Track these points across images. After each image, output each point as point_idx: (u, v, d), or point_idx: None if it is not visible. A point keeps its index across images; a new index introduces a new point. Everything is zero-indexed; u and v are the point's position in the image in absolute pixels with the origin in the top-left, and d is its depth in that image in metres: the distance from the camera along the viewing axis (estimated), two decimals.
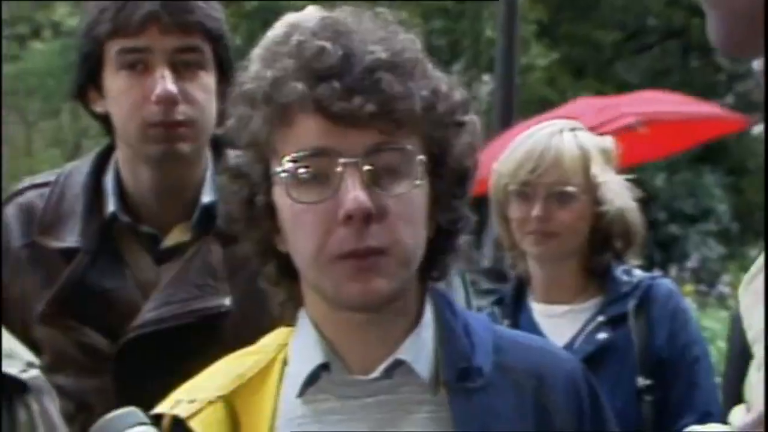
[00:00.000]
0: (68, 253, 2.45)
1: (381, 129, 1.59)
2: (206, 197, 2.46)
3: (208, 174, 2.49)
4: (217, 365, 1.78)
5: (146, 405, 2.38)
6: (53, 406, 1.64)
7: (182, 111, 2.39)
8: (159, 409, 1.72)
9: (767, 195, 1.60)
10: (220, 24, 2.45)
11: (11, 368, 1.60)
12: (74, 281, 2.43)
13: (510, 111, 9.21)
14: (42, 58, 17.59)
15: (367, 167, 1.59)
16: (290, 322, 1.75)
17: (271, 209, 1.66)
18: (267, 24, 2.35)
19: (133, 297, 2.43)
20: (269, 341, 1.79)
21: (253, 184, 1.67)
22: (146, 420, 1.52)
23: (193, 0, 2.40)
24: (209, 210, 2.45)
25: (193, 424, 1.67)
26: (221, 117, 2.48)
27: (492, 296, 3.22)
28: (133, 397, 2.38)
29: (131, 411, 1.54)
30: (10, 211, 2.53)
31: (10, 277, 2.49)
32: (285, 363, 1.73)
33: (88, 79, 2.45)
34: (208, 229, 2.45)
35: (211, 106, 2.44)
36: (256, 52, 1.69)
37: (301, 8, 2.41)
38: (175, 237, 2.47)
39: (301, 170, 1.61)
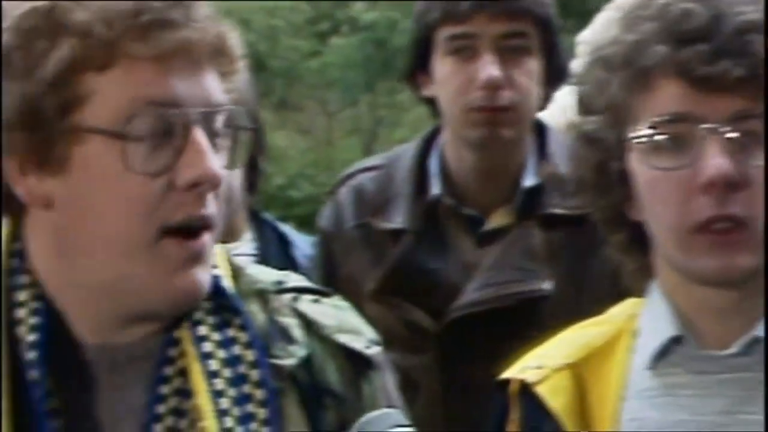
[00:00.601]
0: (395, 234, 2.46)
1: (748, 94, 1.49)
2: (528, 181, 2.43)
3: (530, 158, 2.45)
4: (563, 334, 1.73)
5: (467, 383, 2.38)
6: (391, 382, 1.61)
7: (506, 96, 2.37)
8: (507, 374, 1.70)
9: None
10: (549, 9, 2.42)
11: (357, 344, 1.58)
12: (401, 261, 2.45)
13: None
14: (341, 52, 17.96)
15: (730, 134, 1.50)
16: (639, 293, 1.67)
17: (624, 176, 1.59)
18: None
19: (456, 278, 2.42)
20: (618, 311, 1.71)
21: (607, 149, 1.60)
22: (405, 422, 1.48)
23: None
24: (531, 194, 2.42)
25: (540, 389, 1.64)
26: (545, 101, 2.46)
27: None
28: (455, 375, 2.41)
29: (392, 412, 1.50)
30: (343, 193, 2.57)
31: (343, 255, 2.53)
32: (634, 334, 1.65)
33: (418, 64, 2.47)
34: (530, 213, 2.42)
35: (535, 91, 2.41)
36: (611, 17, 1.60)
37: None
38: (497, 220, 2.45)
39: (660, 136, 1.53)
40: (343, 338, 1.57)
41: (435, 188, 2.46)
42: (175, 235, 1.41)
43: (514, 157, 2.45)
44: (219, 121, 1.45)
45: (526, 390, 1.66)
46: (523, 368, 1.69)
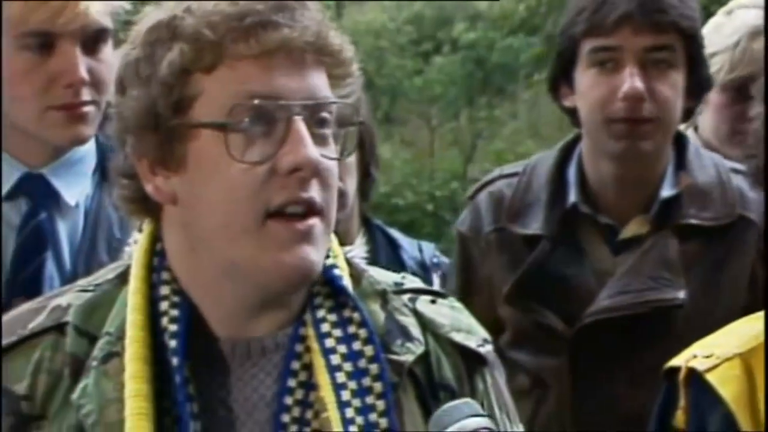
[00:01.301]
0: (531, 240, 2.39)
1: None
2: (666, 191, 2.34)
3: (669, 169, 2.36)
4: (733, 325, 1.68)
5: (597, 386, 2.30)
6: (502, 380, 1.60)
7: (648, 108, 2.27)
8: (675, 361, 1.65)
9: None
10: (695, 23, 2.31)
11: (470, 342, 1.57)
12: (536, 266, 2.37)
13: None
14: (443, 70, 17.98)
15: None
16: None
17: None
18: None
19: (590, 284, 2.34)
20: None
21: None
22: (481, 412, 1.43)
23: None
24: (668, 204, 2.33)
25: (709, 377, 1.59)
26: (687, 114, 2.35)
27: None
28: (585, 378, 2.32)
29: (467, 402, 1.45)
30: (482, 198, 2.49)
31: (481, 259, 2.46)
32: None
33: (560, 75, 2.38)
34: (667, 223, 2.33)
35: (678, 104, 2.31)
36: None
37: None
38: (633, 229, 2.36)
39: None
40: (458, 337, 1.55)
41: (572, 196, 2.38)
42: (281, 217, 1.41)
43: (653, 168, 2.35)
44: (325, 115, 1.45)
45: (694, 378, 1.61)
46: (692, 356, 1.64)
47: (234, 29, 1.40)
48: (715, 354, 1.61)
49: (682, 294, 2.27)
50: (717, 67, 2.74)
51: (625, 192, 2.35)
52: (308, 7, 1.45)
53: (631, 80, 2.25)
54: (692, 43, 2.30)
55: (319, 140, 1.43)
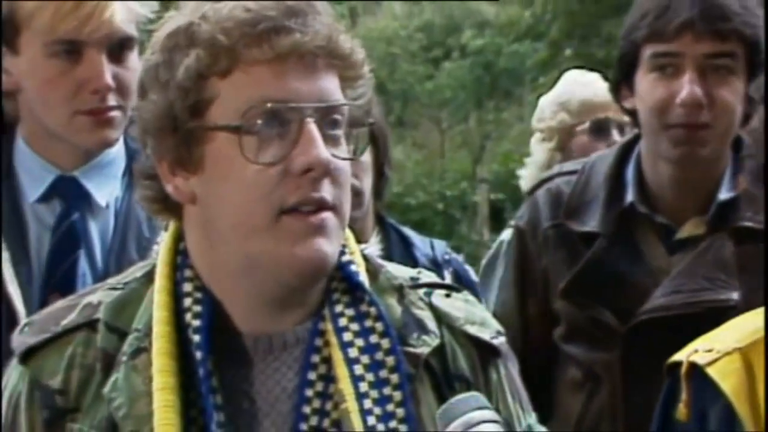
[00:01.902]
0: (588, 237, 2.34)
1: None
2: (723, 194, 2.28)
3: (727, 172, 2.30)
4: (733, 320, 1.66)
5: (648, 382, 2.21)
6: (515, 370, 1.59)
7: (706, 115, 2.21)
8: (677, 356, 1.63)
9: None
10: (758, 30, 2.23)
11: (484, 334, 1.55)
12: (593, 263, 2.32)
13: None
14: (452, 75, 17.98)
15: None
16: None
17: None
18: None
19: (645, 283, 2.29)
20: None
21: None
22: (487, 405, 1.40)
23: (731, 6, 2.21)
24: (725, 206, 2.28)
25: (710, 371, 1.58)
26: (746, 119, 2.26)
27: None
28: (637, 373, 2.27)
29: (474, 395, 1.42)
30: (540, 194, 2.45)
31: (538, 254, 2.43)
32: None
33: (622, 77, 2.33)
34: (723, 225, 2.27)
35: (737, 110, 2.24)
36: None
37: None
38: (689, 229, 2.31)
39: None
40: (472, 329, 1.54)
41: (630, 195, 2.32)
42: (294, 212, 1.40)
43: (710, 171, 2.29)
44: (336, 117, 1.44)
45: (696, 372, 1.60)
46: (693, 351, 1.63)
47: (247, 35, 1.40)
48: (715, 348, 1.60)
49: (735, 295, 2.22)
50: None
51: (682, 193, 2.30)
52: (319, 12, 1.44)
53: (690, 86, 2.19)
54: (754, 50, 2.23)
55: (331, 141, 1.43)
